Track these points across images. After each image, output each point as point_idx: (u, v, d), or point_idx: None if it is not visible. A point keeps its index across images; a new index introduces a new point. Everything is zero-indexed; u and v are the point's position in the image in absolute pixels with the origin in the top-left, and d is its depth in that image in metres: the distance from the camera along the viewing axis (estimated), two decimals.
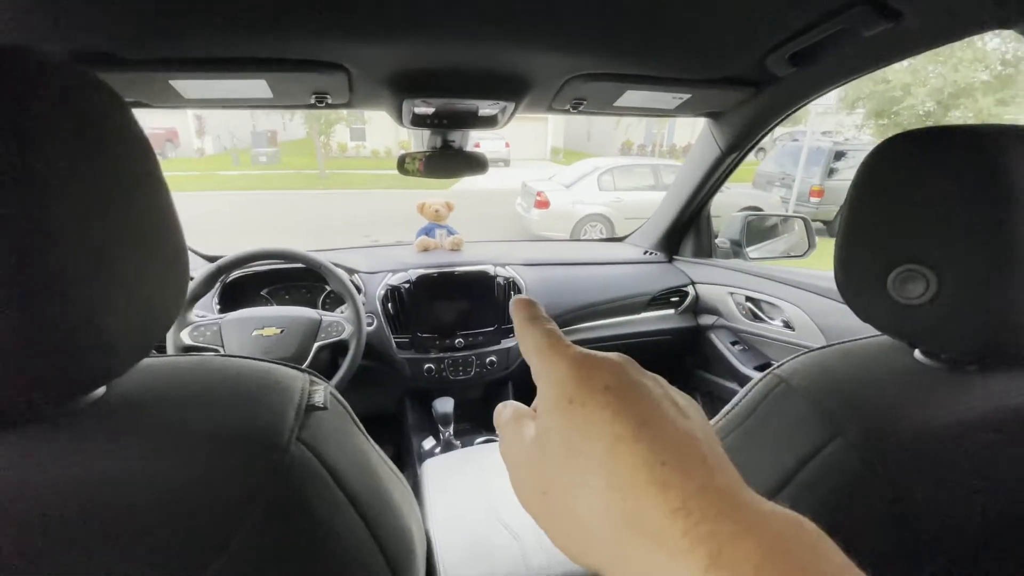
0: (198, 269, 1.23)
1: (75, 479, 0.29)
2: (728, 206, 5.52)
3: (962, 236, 0.41)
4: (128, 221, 0.31)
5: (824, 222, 6.92)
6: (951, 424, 0.42)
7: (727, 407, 0.56)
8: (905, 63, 8.70)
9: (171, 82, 0.89)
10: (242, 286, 1.41)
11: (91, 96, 0.30)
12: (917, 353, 0.49)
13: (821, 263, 1.77)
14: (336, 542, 0.37)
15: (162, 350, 1.16)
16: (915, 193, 0.43)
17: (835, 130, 11.52)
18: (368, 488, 0.42)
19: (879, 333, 0.52)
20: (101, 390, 0.34)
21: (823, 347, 0.53)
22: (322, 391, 0.41)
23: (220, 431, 0.34)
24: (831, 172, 7.13)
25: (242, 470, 0.32)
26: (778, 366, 0.52)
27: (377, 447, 0.51)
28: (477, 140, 10.77)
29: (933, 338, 0.45)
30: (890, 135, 0.47)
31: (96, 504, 0.29)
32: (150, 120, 14.45)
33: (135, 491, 0.30)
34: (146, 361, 0.38)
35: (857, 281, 0.49)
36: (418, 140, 1.27)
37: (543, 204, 6.47)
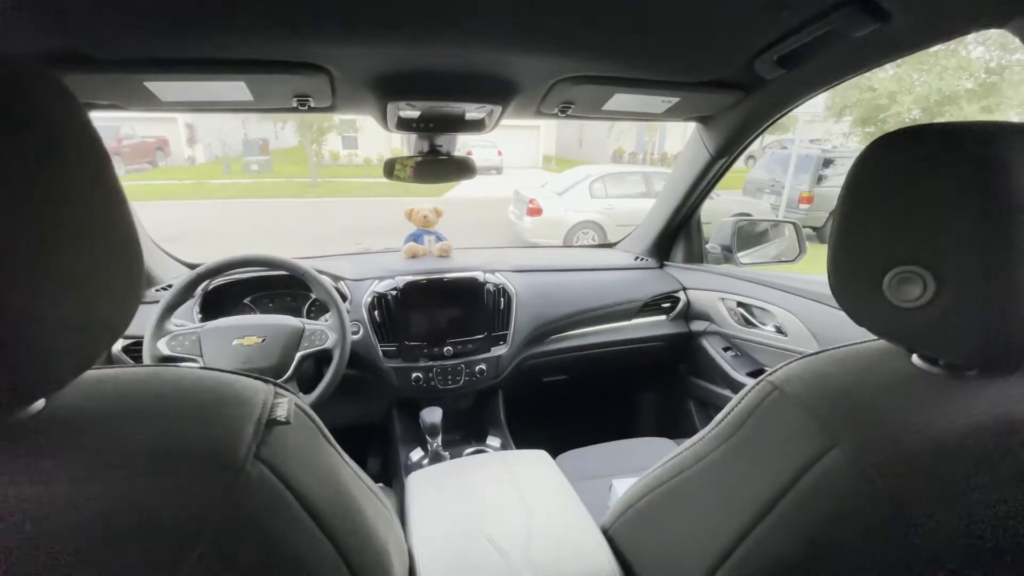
0: (178, 276, 1.20)
1: (1, 504, 0.27)
2: (718, 213, 5.56)
3: (960, 236, 0.39)
4: (73, 226, 0.29)
5: (814, 228, 6.98)
6: (952, 432, 0.41)
7: (720, 415, 0.54)
8: (890, 71, 8.86)
9: (146, 84, 0.87)
10: (224, 294, 1.38)
11: (43, 97, 0.28)
12: (915, 358, 0.47)
13: (812, 268, 1.77)
14: (299, 567, 0.34)
15: (139, 360, 1.12)
16: (910, 193, 0.42)
17: (823, 138, 11.67)
18: (337, 508, 0.39)
19: (874, 338, 0.50)
20: (39, 404, 0.32)
21: (818, 352, 0.51)
22: (286, 404, 0.38)
23: (168, 449, 0.31)
24: (820, 179, 7.23)
25: (191, 492, 0.30)
26: (771, 373, 0.50)
27: (351, 462, 0.48)
28: (469, 148, 10.80)
29: (931, 342, 0.43)
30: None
31: (25, 532, 0.26)
32: (140, 129, 14.38)
33: (71, 516, 0.27)
34: (92, 372, 0.35)
35: (852, 284, 0.47)
36: (410, 149, 1.26)
37: (535, 211, 6.47)
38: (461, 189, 10.83)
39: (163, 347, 1.06)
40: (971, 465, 0.41)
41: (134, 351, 1.20)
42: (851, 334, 0.51)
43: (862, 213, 0.45)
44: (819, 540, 0.42)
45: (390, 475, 1.49)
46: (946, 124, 0.41)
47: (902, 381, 0.45)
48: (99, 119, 0.66)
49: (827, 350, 0.52)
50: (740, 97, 1.12)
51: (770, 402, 0.48)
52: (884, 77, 9.08)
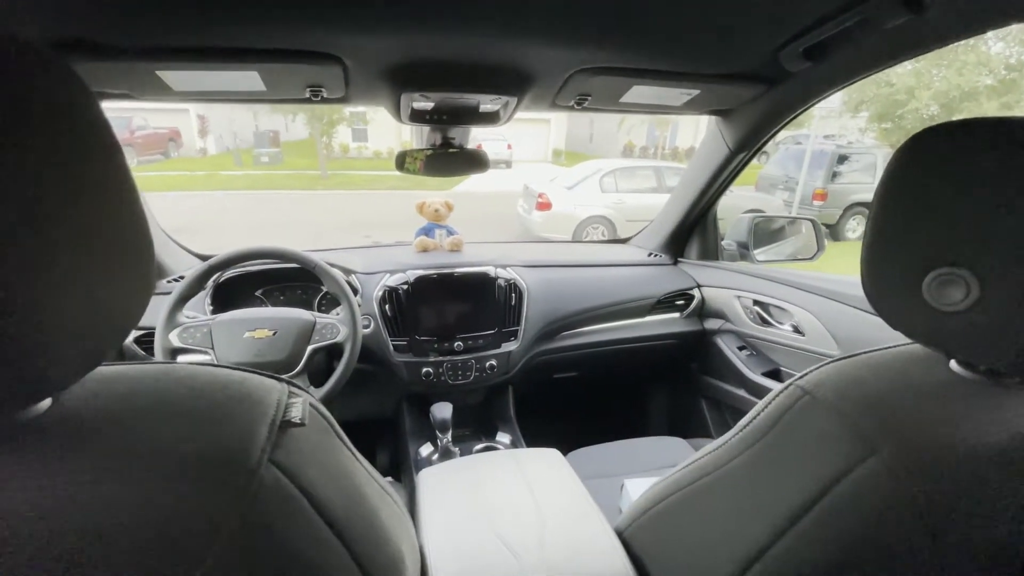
0: (190, 268, 1.19)
1: (5, 507, 0.26)
2: (730, 208, 5.48)
3: (1006, 237, 0.37)
4: (82, 219, 0.27)
5: (827, 225, 6.89)
6: (992, 443, 0.39)
7: (745, 419, 0.52)
8: (909, 66, 8.70)
9: (159, 73, 0.86)
10: (236, 286, 1.38)
11: (52, 86, 0.27)
12: (952, 364, 0.45)
13: (828, 266, 1.73)
14: (314, 574, 0.33)
15: (151, 351, 1.12)
16: (952, 190, 0.39)
17: (838, 133, 11.49)
18: (352, 512, 0.38)
19: (907, 341, 0.48)
20: (46, 403, 0.31)
21: (849, 356, 0.49)
22: (300, 404, 0.37)
23: (178, 452, 0.30)
24: (834, 175, 7.12)
25: (203, 497, 0.28)
26: (800, 376, 0.48)
27: (365, 462, 0.47)
28: (479, 141, 10.76)
29: (972, 348, 0.41)
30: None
31: (30, 537, 0.25)
32: (153, 120, 14.47)
33: (76, 520, 0.26)
34: (102, 369, 0.34)
35: (888, 286, 0.45)
36: (420, 141, 1.24)
37: (545, 206, 6.44)
38: (471, 183, 10.80)
39: (174, 339, 1.06)
40: (1012, 477, 0.39)
41: (146, 342, 1.20)
42: (872, 335, 0.49)
43: (900, 211, 0.43)
44: (851, 550, 0.40)
45: (399, 469, 1.49)
46: (993, 119, 0.39)
47: (940, 388, 0.43)
48: (112, 109, 0.65)
49: (858, 354, 0.50)
50: (762, 90, 1.09)
51: (800, 407, 0.46)
52: (902, 72, 8.89)
